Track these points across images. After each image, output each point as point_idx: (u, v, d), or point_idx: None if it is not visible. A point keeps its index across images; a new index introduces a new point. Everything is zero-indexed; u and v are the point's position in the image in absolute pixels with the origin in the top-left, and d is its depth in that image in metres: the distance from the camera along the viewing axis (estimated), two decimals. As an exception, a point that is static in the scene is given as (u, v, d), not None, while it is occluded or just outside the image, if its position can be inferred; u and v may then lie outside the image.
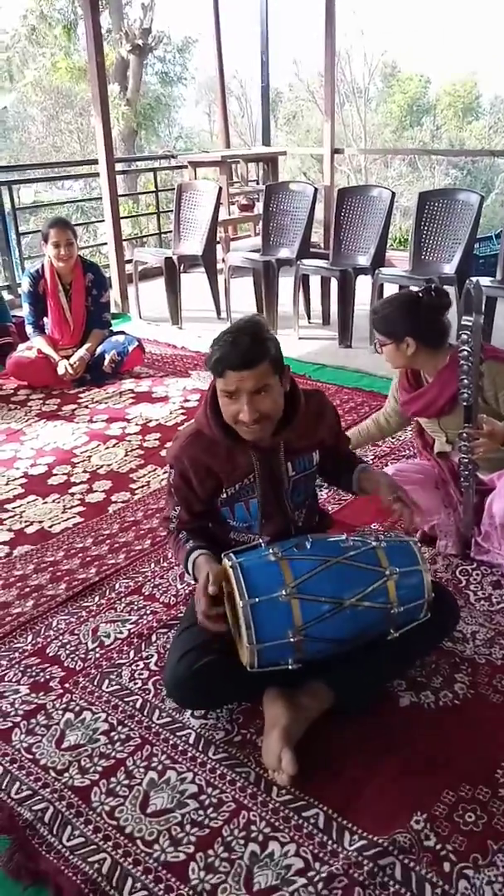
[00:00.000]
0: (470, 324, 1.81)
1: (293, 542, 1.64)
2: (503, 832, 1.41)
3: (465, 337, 1.85)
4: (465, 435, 1.97)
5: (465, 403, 1.94)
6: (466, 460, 2.01)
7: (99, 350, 3.89)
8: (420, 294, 2.22)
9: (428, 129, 18.13)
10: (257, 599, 1.51)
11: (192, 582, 1.78)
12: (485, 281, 3.90)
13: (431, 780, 1.52)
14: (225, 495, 1.73)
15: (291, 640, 1.51)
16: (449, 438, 2.27)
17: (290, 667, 1.55)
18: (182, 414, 3.47)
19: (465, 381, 1.90)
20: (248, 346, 1.54)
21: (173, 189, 5.44)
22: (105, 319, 3.97)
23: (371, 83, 18.72)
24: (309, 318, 4.89)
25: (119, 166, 6.05)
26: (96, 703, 1.76)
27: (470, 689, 1.75)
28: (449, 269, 4.05)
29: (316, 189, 4.81)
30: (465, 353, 1.86)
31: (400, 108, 18.46)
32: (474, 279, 2.36)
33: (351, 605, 1.55)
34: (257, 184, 6.81)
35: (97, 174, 5.26)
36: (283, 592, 1.51)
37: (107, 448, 3.16)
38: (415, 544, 1.68)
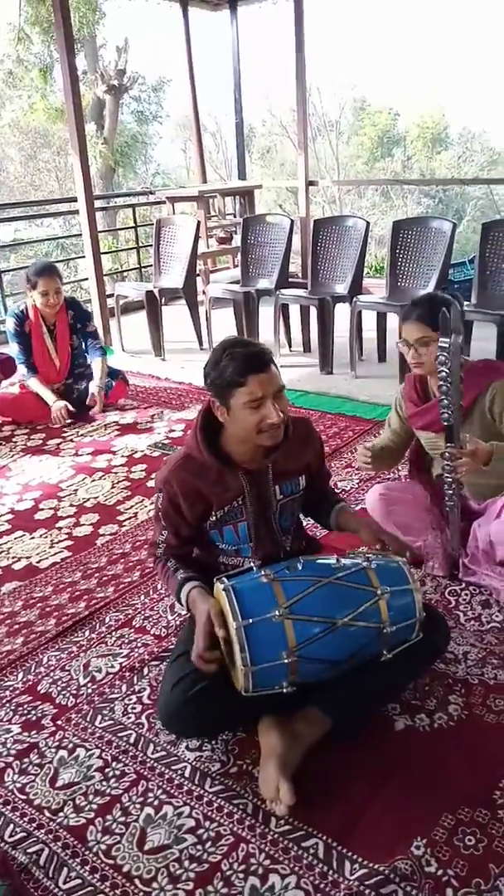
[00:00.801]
0: (447, 345, 1.85)
1: (285, 564, 1.65)
2: (503, 854, 1.40)
3: (442, 358, 1.88)
4: (447, 455, 1.99)
5: (446, 423, 1.96)
6: (450, 479, 2.03)
7: (83, 385, 3.90)
8: (451, 292, 2.23)
9: (399, 160, 18.59)
10: (251, 621, 1.51)
11: (184, 612, 1.78)
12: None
13: (430, 804, 1.51)
14: (214, 518, 1.75)
15: (286, 661, 1.51)
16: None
17: (284, 690, 1.54)
18: (171, 445, 3.48)
19: (445, 401, 1.93)
20: (261, 349, 1.63)
21: (152, 224, 5.52)
22: (98, 346, 3.94)
23: (342, 117, 19.22)
24: (290, 346, 4.95)
25: (98, 203, 6.13)
26: (90, 739, 1.73)
27: (464, 710, 1.75)
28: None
29: (292, 221, 4.91)
30: (444, 374, 1.89)
31: (371, 141, 18.93)
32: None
33: (343, 625, 1.55)
34: (234, 217, 6.93)
35: (76, 211, 5.33)
36: (277, 613, 1.52)
37: (93, 481, 3.16)
38: (404, 564, 1.69)
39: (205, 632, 1.57)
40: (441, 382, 1.92)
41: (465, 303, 4.06)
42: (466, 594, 2.19)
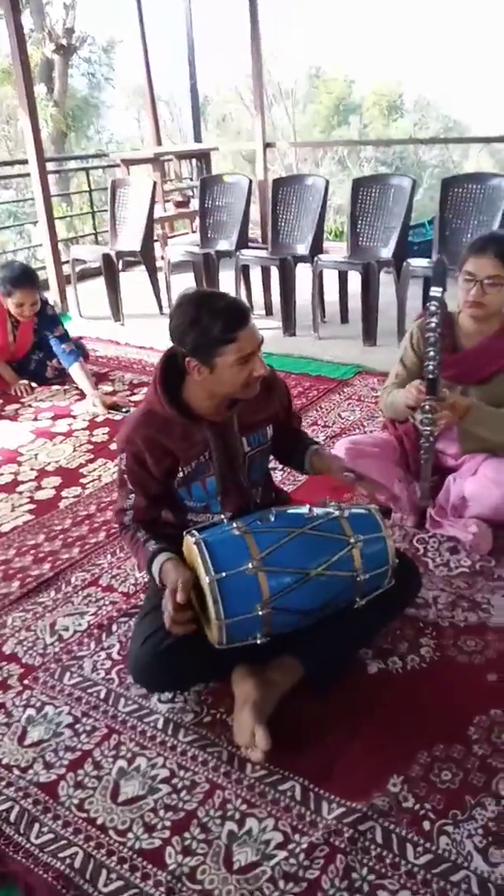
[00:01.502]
0: (439, 295, 1.81)
1: (256, 515, 1.61)
2: (479, 787, 1.41)
3: (433, 308, 1.84)
4: (427, 407, 1.97)
5: (430, 376, 1.93)
6: (428, 432, 2.02)
7: (41, 357, 3.72)
8: None
9: (355, 128, 18.43)
10: (224, 574, 1.47)
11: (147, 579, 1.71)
12: (422, 262, 3.96)
13: (406, 743, 1.51)
14: (181, 474, 1.69)
15: (260, 613, 1.48)
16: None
17: (258, 641, 1.52)
18: (131, 407, 3.40)
19: (432, 352, 1.90)
20: (237, 303, 1.56)
21: (107, 189, 5.35)
22: (71, 350, 3.59)
23: (297, 84, 18.93)
24: (252, 309, 4.87)
25: (50, 166, 5.92)
26: (58, 696, 1.69)
27: (436, 652, 1.75)
28: (386, 252, 4.09)
29: (251, 180, 4.81)
30: (433, 324, 1.85)
31: (327, 109, 18.71)
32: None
33: (317, 575, 1.53)
34: (191, 181, 6.78)
35: (27, 174, 5.13)
36: (250, 566, 1.48)
37: (54, 445, 3.07)
38: (377, 512, 1.67)
39: (173, 598, 1.51)
40: (429, 333, 1.88)
41: (427, 260, 4.05)
42: (434, 541, 2.19)
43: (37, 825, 1.39)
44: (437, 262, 1.85)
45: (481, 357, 2.12)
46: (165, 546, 1.66)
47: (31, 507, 2.59)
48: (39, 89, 12.31)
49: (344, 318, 4.55)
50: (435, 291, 1.81)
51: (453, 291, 2.05)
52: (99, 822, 1.39)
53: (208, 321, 1.52)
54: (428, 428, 2.01)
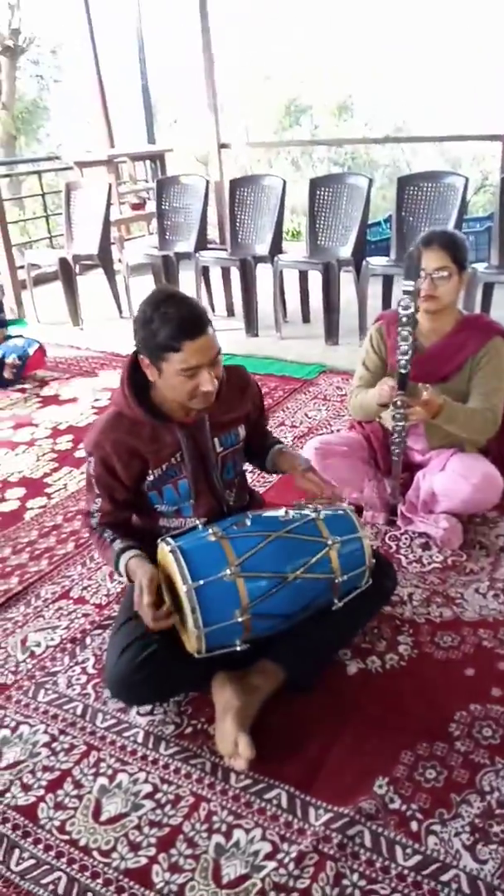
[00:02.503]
0: (412, 288, 1.80)
1: (231, 520, 1.59)
2: (464, 783, 1.42)
3: (406, 302, 1.83)
4: (399, 403, 1.97)
5: (402, 370, 1.93)
6: (400, 427, 2.02)
7: None
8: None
9: (307, 129, 18.52)
10: (202, 582, 1.44)
11: (125, 581, 1.69)
12: (381, 261, 3.99)
13: (389, 743, 1.51)
14: (152, 477, 1.65)
15: (239, 619, 1.46)
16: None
17: (238, 648, 1.49)
18: (93, 414, 3.34)
19: (404, 347, 1.89)
20: (197, 311, 1.49)
21: (60, 192, 5.25)
22: (1, 319, 3.78)
23: (247, 86, 18.92)
24: (213, 310, 4.84)
25: (1, 170, 5.79)
26: (33, 715, 1.64)
27: (414, 650, 1.75)
28: (345, 252, 4.11)
29: (207, 181, 4.78)
30: (405, 318, 1.85)
31: (278, 110, 18.76)
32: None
33: (296, 578, 1.51)
34: (146, 182, 6.71)
35: (-23, 177, 5.02)
36: (228, 572, 1.46)
37: (16, 455, 3.00)
38: (352, 512, 1.66)
39: (140, 598, 1.49)
40: (401, 328, 1.88)
41: (385, 259, 4.08)
42: (406, 538, 2.20)
43: (17, 851, 1.35)
44: (407, 256, 1.85)
45: (442, 355, 2.14)
46: (131, 544, 1.63)
47: (-5, 519, 2.52)
48: (-14, 92, 12.07)
49: (305, 317, 4.55)
50: (406, 285, 1.81)
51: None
52: (82, 843, 1.35)
53: (158, 325, 1.48)
54: (400, 423, 2.01)
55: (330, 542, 1.56)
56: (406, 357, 1.91)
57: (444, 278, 2.03)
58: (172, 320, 1.47)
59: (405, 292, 1.83)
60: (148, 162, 6.82)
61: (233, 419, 1.73)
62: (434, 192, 3.97)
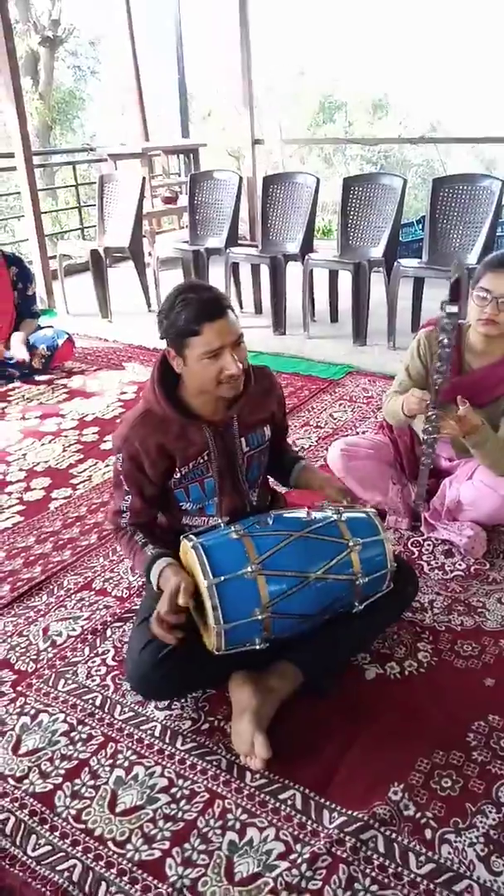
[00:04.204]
0: (455, 311, 1.79)
1: (254, 519, 1.60)
2: (480, 793, 1.41)
3: (447, 325, 1.82)
4: (433, 417, 1.96)
5: (436, 387, 1.92)
6: (430, 440, 2.02)
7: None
8: None
9: (340, 126, 18.42)
10: (223, 578, 1.45)
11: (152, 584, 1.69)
12: (413, 262, 3.96)
13: (405, 750, 1.50)
14: (178, 475, 1.66)
15: (259, 617, 1.47)
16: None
17: (257, 647, 1.50)
18: (120, 406, 3.37)
19: (442, 367, 1.88)
20: (216, 295, 1.51)
21: (93, 183, 5.28)
22: (34, 311, 3.84)
23: (283, 82, 18.86)
24: (241, 307, 4.85)
25: (36, 160, 5.82)
26: (53, 703, 1.66)
27: (434, 657, 1.75)
28: (376, 252, 4.08)
29: (241, 177, 4.78)
30: (446, 341, 1.84)
31: (312, 106, 18.68)
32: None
33: (317, 579, 1.52)
34: (179, 177, 6.73)
35: (13, 168, 5.06)
36: (249, 569, 1.47)
37: (42, 445, 3.03)
38: (375, 515, 1.66)
39: (172, 597, 1.49)
40: (441, 349, 1.87)
41: (417, 261, 4.05)
42: (429, 545, 2.19)
43: (33, 837, 1.37)
44: (454, 280, 1.83)
45: (486, 382, 2.09)
46: (165, 551, 1.63)
47: (21, 508, 2.55)
48: (25, 82, 12.16)
49: (334, 317, 4.54)
50: (451, 308, 1.79)
51: (433, 293, 1.98)
52: (97, 833, 1.37)
53: (179, 310, 1.50)
54: (431, 436, 2.00)
55: (351, 544, 1.56)
56: (442, 377, 1.89)
57: None
58: (192, 304, 1.50)
59: (448, 313, 1.80)
60: (181, 155, 6.83)
61: (259, 419, 1.73)
62: (468, 195, 3.93)
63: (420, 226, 5.58)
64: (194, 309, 1.49)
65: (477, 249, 3.81)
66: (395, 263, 3.90)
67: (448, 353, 1.87)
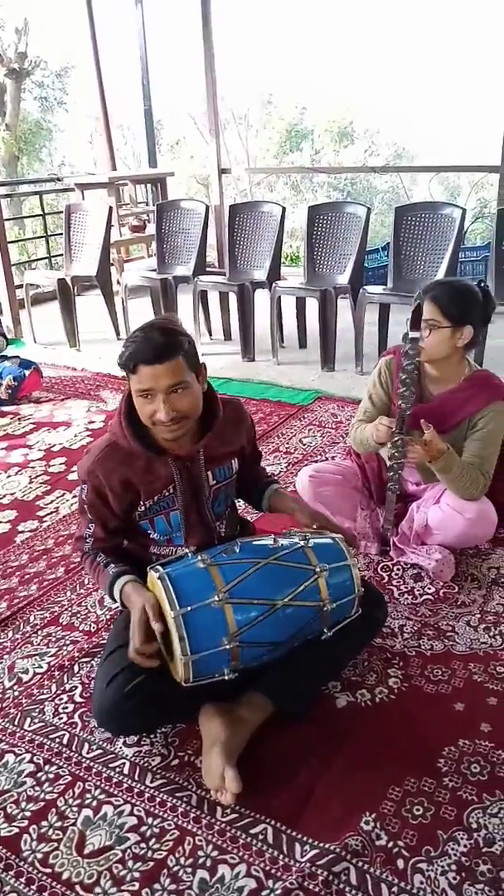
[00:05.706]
0: (417, 337, 1.85)
1: (221, 547, 1.59)
2: (451, 820, 1.41)
3: (409, 351, 1.88)
4: (399, 442, 1.99)
5: (401, 413, 1.96)
6: (396, 466, 2.04)
7: None
8: (485, 286, 2.08)
9: (307, 154, 18.79)
10: (189, 608, 1.44)
11: (115, 606, 1.68)
12: (378, 289, 4.03)
13: (376, 778, 1.50)
14: (143, 508, 1.66)
15: (227, 647, 1.46)
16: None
17: (226, 677, 1.49)
18: (88, 436, 3.35)
19: (406, 392, 1.92)
20: (160, 340, 1.50)
21: (61, 213, 5.31)
22: (0, 341, 3.82)
23: (250, 110, 19.21)
24: (210, 334, 4.88)
25: (3, 190, 5.85)
26: (19, 743, 1.63)
27: (404, 683, 1.75)
28: (342, 279, 4.15)
29: (207, 206, 4.83)
30: (411, 366, 1.89)
31: (279, 135, 19.04)
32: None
33: (284, 605, 1.51)
34: (147, 205, 6.78)
35: (-21, 197, 5.07)
36: (216, 598, 1.46)
37: (8, 476, 3.00)
38: (341, 541, 1.67)
39: (141, 625, 1.48)
40: (404, 375, 1.91)
41: (381, 287, 4.12)
42: (398, 569, 2.20)
43: (-2, 884, 1.33)
44: (415, 307, 1.88)
45: (447, 408, 2.13)
46: (126, 569, 1.63)
47: (-13, 541, 2.51)
48: (-9, 113, 12.23)
49: (302, 343, 4.59)
50: (413, 334, 1.85)
51: (398, 318, 2.02)
52: (64, 877, 1.34)
53: (128, 345, 1.52)
54: (397, 462, 2.03)
55: (318, 570, 1.57)
56: (407, 402, 1.94)
57: (429, 328, 2.02)
58: (138, 342, 1.51)
59: (411, 339, 1.86)
60: (148, 184, 6.89)
61: (227, 453, 1.73)
62: (431, 223, 4.02)
63: (385, 252, 5.67)
64: (135, 348, 1.50)
65: (440, 275, 3.89)
66: (361, 290, 3.97)
67: (411, 378, 1.91)
